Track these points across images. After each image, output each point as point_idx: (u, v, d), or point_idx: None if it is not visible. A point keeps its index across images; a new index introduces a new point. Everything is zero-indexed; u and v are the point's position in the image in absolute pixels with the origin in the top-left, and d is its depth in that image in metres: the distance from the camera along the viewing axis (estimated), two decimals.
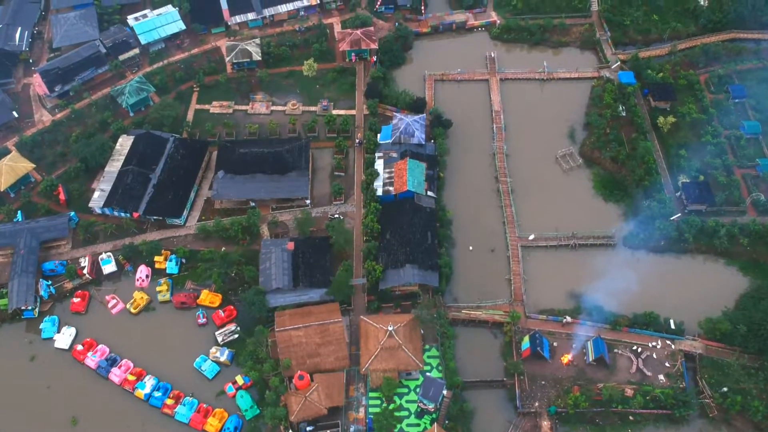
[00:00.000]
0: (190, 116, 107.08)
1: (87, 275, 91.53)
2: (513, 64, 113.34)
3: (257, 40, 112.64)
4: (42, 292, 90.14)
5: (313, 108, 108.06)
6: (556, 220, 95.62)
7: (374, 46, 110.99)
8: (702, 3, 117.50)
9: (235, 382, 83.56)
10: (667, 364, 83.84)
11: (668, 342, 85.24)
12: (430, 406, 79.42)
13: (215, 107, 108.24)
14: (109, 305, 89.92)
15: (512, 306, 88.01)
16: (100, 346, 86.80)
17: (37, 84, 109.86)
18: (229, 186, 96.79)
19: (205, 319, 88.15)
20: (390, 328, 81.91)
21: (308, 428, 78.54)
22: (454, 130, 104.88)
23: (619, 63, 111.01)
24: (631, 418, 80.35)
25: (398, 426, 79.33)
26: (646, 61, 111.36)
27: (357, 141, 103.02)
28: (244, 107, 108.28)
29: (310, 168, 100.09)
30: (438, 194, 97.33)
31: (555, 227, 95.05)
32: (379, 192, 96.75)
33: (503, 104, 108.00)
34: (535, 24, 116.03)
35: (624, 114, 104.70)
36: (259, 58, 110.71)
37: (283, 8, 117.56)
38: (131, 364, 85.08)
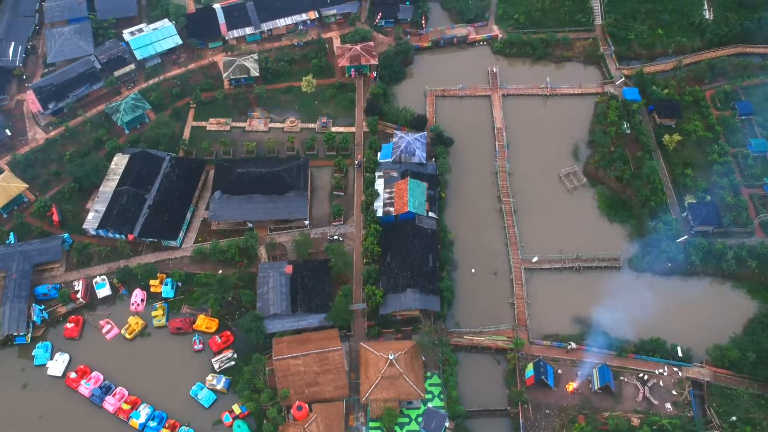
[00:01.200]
0: (186, 134, 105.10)
1: (81, 299, 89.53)
2: (515, 79, 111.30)
3: (255, 56, 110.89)
4: (34, 317, 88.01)
5: (311, 125, 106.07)
6: (560, 242, 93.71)
7: (374, 61, 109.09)
8: (707, 17, 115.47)
9: (231, 411, 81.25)
10: (674, 393, 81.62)
11: (675, 369, 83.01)
12: None
13: (212, 124, 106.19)
14: (104, 330, 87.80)
15: (516, 331, 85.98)
16: (94, 373, 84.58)
17: (31, 101, 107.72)
18: (226, 207, 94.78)
19: (201, 345, 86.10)
20: (391, 357, 79.90)
21: None
22: (456, 148, 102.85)
23: (623, 79, 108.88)
24: None
25: None
26: (651, 76, 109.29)
27: (357, 163, 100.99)
28: (241, 124, 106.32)
29: (309, 188, 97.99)
30: (439, 215, 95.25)
31: (559, 249, 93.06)
32: (380, 213, 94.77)
33: (506, 121, 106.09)
34: (538, 38, 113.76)
35: (629, 131, 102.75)
36: (257, 74, 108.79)
37: (282, 22, 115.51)
38: (126, 392, 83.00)
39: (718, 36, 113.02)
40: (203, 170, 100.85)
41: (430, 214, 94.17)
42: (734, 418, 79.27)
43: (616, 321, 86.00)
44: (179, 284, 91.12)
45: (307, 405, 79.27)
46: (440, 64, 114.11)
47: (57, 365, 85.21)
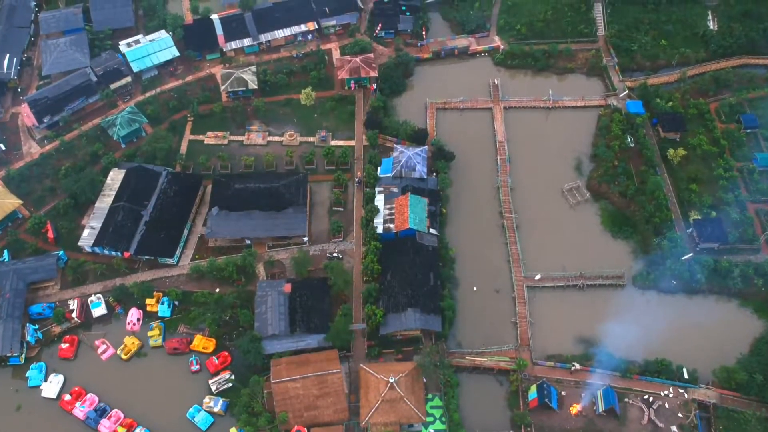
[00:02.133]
0: (183, 148, 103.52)
1: (76, 319, 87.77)
2: (517, 91, 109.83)
3: (253, 68, 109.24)
4: (29, 337, 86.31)
5: (310, 138, 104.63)
6: (563, 259, 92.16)
7: (374, 73, 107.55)
8: (712, 27, 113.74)
9: None
10: (680, 415, 79.87)
11: (681, 391, 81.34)
12: None
13: (210, 138, 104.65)
14: (99, 351, 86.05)
15: (518, 352, 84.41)
16: (89, 395, 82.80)
17: (26, 114, 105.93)
18: (224, 223, 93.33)
19: (198, 366, 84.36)
20: (391, 380, 78.22)
21: None
22: (457, 163, 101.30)
23: (627, 91, 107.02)
24: None
25: None
26: (655, 88, 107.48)
27: (357, 180, 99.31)
28: (239, 138, 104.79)
29: (308, 204, 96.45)
30: (441, 231, 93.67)
31: (562, 266, 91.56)
32: (380, 229, 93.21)
33: (507, 134, 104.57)
34: (540, 49, 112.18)
35: (632, 145, 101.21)
36: (255, 87, 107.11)
37: (280, 33, 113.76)
38: (121, 415, 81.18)
39: (722, 47, 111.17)
40: (200, 185, 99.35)
41: (431, 230, 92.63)
42: None
43: (621, 341, 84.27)
44: (176, 303, 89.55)
45: (306, 429, 77.61)
46: (441, 76, 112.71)
47: (51, 387, 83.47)
